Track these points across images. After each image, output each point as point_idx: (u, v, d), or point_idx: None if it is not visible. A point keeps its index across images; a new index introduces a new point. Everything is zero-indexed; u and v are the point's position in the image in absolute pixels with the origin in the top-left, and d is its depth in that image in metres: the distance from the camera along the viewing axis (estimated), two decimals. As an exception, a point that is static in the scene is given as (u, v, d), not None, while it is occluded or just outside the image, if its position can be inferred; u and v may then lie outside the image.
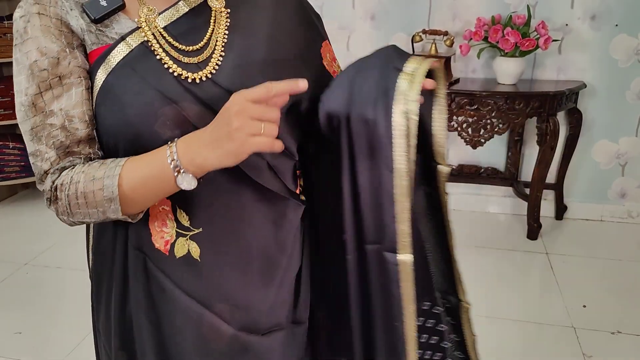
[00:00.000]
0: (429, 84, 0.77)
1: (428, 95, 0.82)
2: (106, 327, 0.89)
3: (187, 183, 0.70)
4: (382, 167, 0.78)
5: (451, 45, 2.74)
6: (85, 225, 0.93)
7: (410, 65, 0.76)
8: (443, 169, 0.84)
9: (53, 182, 0.73)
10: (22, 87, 0.73)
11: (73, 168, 0.74)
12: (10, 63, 3.71)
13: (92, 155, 0.76)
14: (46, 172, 0.74)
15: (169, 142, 0.71)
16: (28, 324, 2.16)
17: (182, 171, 0.69)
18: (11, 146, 3.20)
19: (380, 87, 0.77)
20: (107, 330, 0.89)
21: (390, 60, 0.78)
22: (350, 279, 0.86)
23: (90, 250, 0.93)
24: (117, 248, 0.84)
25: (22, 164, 3.24)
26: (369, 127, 0.79)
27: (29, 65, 0.72)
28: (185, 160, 0.69)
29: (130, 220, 0.76)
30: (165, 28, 0.77)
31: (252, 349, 0.85)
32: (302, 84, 0.67)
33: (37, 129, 0.73)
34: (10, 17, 3.15)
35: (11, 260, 2.66)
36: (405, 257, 0.78)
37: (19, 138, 3.24)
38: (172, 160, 0.69)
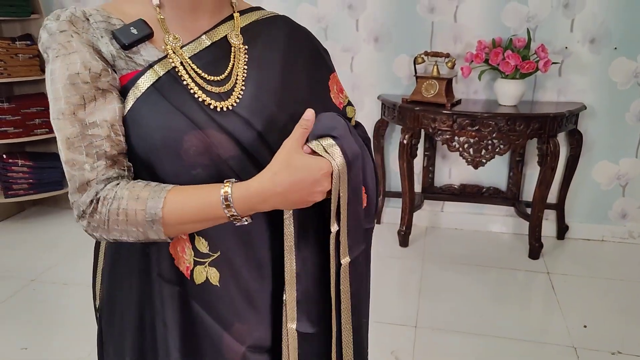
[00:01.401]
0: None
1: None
2: (119, 348, 0.90)
3: (242, 224, 0.77)
4: None
5: (453, 67, 2.79)
6: (95, 244, 0.95)
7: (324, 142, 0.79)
8: (332, 228, 0.83)
9: (97, 193, 0.74)
10: (61, 95, 0.73)
11: (118, 183, 0.75)
12: (21, 83, 3.76)
13: (132, 168, 0.78)
14: (89, 182, 0.74)
15: (222, 193, 0.73)
16: (34, 340, 2.18)
17: (240, 218, 0.75)
18: (20, 164, 3.25)
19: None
20: (120, 351, 0.90)
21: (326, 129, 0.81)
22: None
23: (98, 270, 0.95)
24: (134, 273, 0.86)
25: (31, 181, 3.29)
26: None
27: (68, 75, 0.73)
28: (243, 211, 0.75)
29: (169, 241, 0.77)
30: (190, 58, 0.81)
31: None
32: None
33: (75, 139, 0.74)
34: (22, 37, 3.22)
35: (18, 276, 2.69)
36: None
37: (28, 156, 3.30)
38: (232, 216, 0.74)
